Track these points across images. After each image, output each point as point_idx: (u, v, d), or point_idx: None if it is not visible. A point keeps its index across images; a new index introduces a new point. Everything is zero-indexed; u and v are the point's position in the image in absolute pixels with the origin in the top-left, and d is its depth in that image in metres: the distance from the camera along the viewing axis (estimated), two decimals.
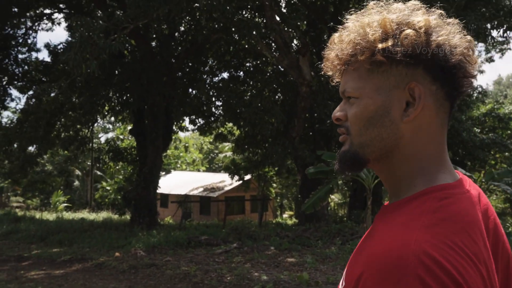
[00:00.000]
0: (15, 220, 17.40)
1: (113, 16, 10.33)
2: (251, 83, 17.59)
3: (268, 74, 16.91)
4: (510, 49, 18.86)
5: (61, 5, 17.47)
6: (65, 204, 28.80)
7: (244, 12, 13.76)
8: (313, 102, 13.91)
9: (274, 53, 13.34)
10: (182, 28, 16.17)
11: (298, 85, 13.66)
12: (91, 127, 19.01)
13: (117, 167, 29.03)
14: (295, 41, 15.02)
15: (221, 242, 11.09)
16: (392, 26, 0.74)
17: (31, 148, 17.32)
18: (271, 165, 16.60)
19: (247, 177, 20.97)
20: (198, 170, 35.53)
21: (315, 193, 7.83)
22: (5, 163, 17.55)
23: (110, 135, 37.06)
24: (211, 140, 32.38)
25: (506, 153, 20.02)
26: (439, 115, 0.76)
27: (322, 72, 0.88)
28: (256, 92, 15.61)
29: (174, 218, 21.02)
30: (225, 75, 18.19)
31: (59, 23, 22.34)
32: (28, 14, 17.41)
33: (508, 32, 12.21)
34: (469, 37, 0.77)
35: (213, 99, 16.80)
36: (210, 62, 17.96)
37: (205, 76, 17.84)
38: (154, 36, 16.83)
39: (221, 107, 17.73)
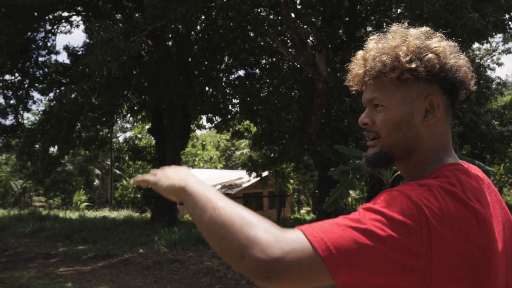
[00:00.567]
0: (40, 219, 17.86)
1: (131, 18, 10.56)
2: (267, 80, 17.69)
3: (284, 71, 16.99)
4: None
5: (79, 8, 17.80)
6: (86, 203, 29.39)
7: (259, 10, 13.86)
8: (330, 98, 13.95)
9: (290, 50, 13.42)
10: (198, 28, 16.34)
11: (314, 81, 13.71)
12: (111, 127, 19.36)
13: (136, 166, 29.49)
14: (310, 38, 15.05)
15: None
16: (417, 50, 0.93)
17: (52, 149, 17.73)
18: (288, 161, 16.69)
19: (265, 173, 21.11)
20: (216, 168, 35.82)
21: (335, 190, 7.89)
22: (28, 164, 18.00)
23: (128, 134, 37.62)
24: (228, 138, 32.61)
25: None
26: (447, 118, 0.98)
27: (345, 81, 1.08)
28: (273, 89, 15.71)
29: None
30: (241, 72, 18.32)
31: (77, 26, 22.68)
32: (47, 17, 17.78)
33: None
34: (466, 58, 0.99)
35: (229, 97, 16.96)
36: (226, 60, 18.12)
37: (221, 75, 18.01)
38: (170, 36, 17.06)
39: (237, 105, 17.88)
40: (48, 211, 22.68)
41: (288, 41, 14.16)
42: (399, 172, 1.05)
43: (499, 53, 19.77)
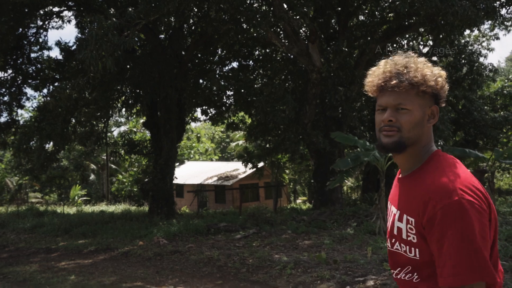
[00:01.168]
0: (38, 214, 17.94)
1: (124, 13, 10.56)
2: (261, 71, 17.73)
3: (277, 62, 17.04)
4: None
5: (70, 3, 17.68)
6: (84, 198, 29.44)
7: (252, 2, 13.87)
8: (324, 88, 14.06)
9: (284, 41, 13.48)
10: (191, 21, 16.33)
11: (308, 72, 13.81)
12: (106, 122, 19.36)
13: (132, 160, 29.50)
14: (303, 28, 15.10)
15: (239, 228, 11.41)
16: (434, 74, 1.42)
17: (48, 145, 17.70)
18: (284, 151, 16.81)
19: (260, 164, 21.24)
20: (211, 160, 35.91)
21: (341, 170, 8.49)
22: (24, 160, 17.98)
23: (122, 128, 37.56)
24: (222, 129, 32.65)
25: None
26: (437, 119, 1.46)
27: (364, 87, 1.53)
28: (267, 80, 15.76)
29: (190, 208, 21.44)
30: (235, 64, 18.35)
31: (69, 21, 22.46)
32: (37, 13, 17.65)
33: None
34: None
35: (224, 89, 17.01)
36: (219, 52, 18.13)
37: (215, 67, 18.03)
38: (163, 29, 17.03)
39: (232, 97, 17.93)
40: (46, 207, 22.73)
41: (281, 32, 14.21)
42: (393, 160, 1.35)
43: (487, 39, 19.89)
